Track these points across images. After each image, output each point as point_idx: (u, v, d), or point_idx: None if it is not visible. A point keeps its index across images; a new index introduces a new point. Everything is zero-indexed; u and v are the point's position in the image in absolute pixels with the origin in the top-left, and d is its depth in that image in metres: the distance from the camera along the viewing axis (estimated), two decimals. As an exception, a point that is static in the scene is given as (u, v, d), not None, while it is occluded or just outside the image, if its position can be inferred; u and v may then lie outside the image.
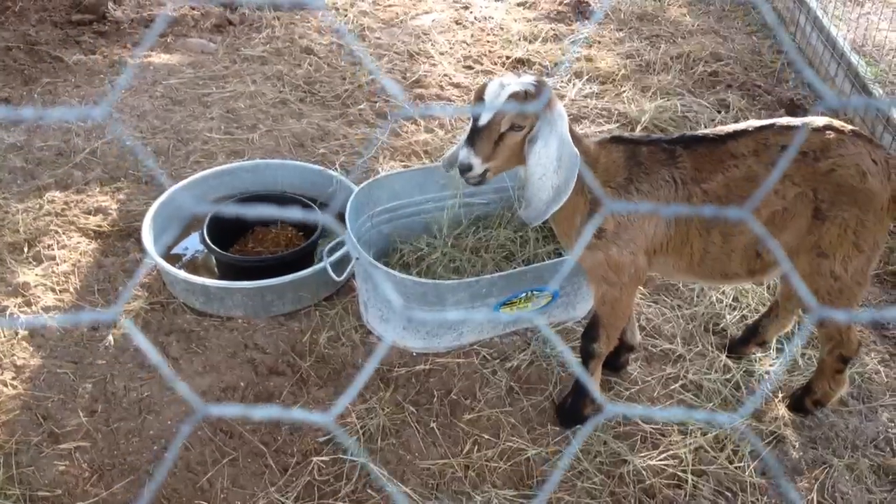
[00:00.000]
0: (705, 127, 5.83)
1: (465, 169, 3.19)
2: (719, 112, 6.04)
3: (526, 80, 3.18)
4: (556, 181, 3.15)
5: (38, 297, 4.27)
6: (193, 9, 7.06)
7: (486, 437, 3.75)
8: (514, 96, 3.13)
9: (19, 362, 3.97)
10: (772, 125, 3.34)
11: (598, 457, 3.65)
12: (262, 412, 1.09)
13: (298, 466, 3.58)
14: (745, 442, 3.72)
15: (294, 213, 1.29)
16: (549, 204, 3.19)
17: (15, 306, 4.22)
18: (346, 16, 7.10)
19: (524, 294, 4.09)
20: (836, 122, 3.34)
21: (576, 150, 3.16)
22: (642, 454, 3.67)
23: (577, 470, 3.60)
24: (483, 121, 3.17)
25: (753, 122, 3.40)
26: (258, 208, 1.25)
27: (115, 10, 6.91)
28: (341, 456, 3.61)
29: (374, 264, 3.98)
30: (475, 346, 4.17)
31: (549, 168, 3.15)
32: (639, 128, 5.75)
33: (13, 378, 3.90)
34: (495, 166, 3.25)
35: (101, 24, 6.76)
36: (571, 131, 3.30)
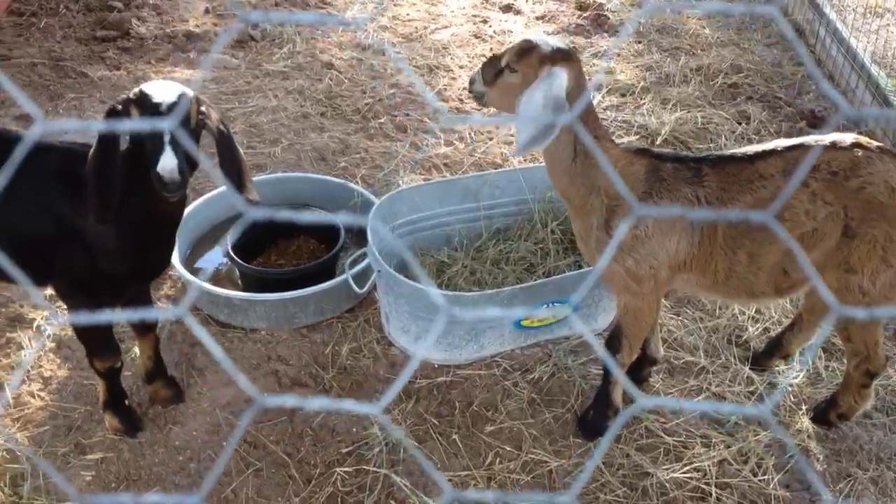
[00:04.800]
0: (726, 139, 5.82)
1: (470, 82, 3.57)
2: (740, 124, 6.04)
3: (554, 42, 3.29)
4: (540, 122, 3.23)
5: (65, 309, 4.31)
6: (216, 25, 7.13)
7: (508, 448, 3.76)
8: (522, 41, 3.34)
9: (46, 374, 4.02)
10: (800, 145, 3.34)
11: (621, 469, 3.65)
12: (316, 403, 1.12)
13: (322, 477, 3.60)
14: (770, 455, 3.71)
15: (334, 218, 1.31)
16: (530, 140, 3.24)
17: (42, 319, 4.27)
18: (366, 30, 7.15)
19: (545, 306, 4.10)
20: (863, 139, 3.34)
21: (565, 102, 3.20)
22: (665, 467, 3.66)
23: (599, 482, 3.60)
24: (500, 52, 3.46)
25: (782, 142, 3.40)
26: (295, 214, 1.27)
27: (139, 26, 6.99)
28: (364, 467, 3.63)
29: (395, 277, 4.00)
30: (496, 358, 4.18)
31: (535, 111, 3.23)
32: (659, 140, 5.76)
33: (40, 389, 3.94)
34: (491, 95, 3.49)
35: (125, 40, 6.83)
36: (594, 127, 3.33)
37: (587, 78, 3.42)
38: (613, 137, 5.76)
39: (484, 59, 6.25)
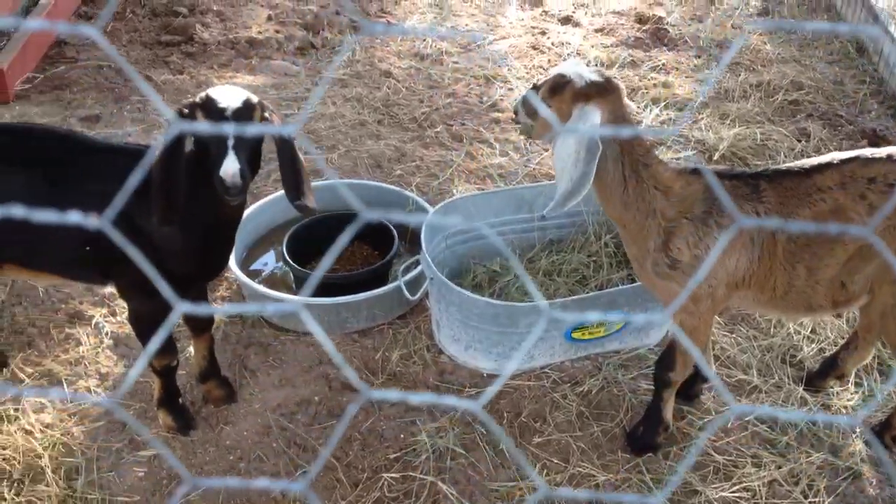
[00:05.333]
0: (785, 156, 5.75)
1: (514, 111, 3.51)
2: (799, 141, 5.96)
3: (589, 74, 3.20)
4: (574, 174, 3.15)
5: (123, 307, 4.40)
6: (278, 32, 7.23)
7: (556, 461, 3.75)
8: (555, 76, 3.25)
9: (103, 370, 4.10)
10: (857, 157, 3.31)
11: (669, 486, 3.61)
12: (419, 398, 1.15)
13: (369, 482, 3.63)
14: (822, 477, 3.65)
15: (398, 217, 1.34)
16: (566, 196, 3.19)
17: (100, 316, 4.37)
18: (424, 40, 7.20)
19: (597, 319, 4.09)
20: None
21: (597, 142, 3.12)
22: (714, 485, 3.62)
23: (647, 500, 3.57)
24: (540, 82, 3.37)
25: (838, 155, 3.37)
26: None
27: (202, 31, 7.12)
28: (411, 473, 3.65)
29: (447, 284, 4.02)
30: (546, 370, 4.17)
31: (567, 162, 3.17)
32: (716, 155, 5.70)
33: (97, 385, 4.03)
34: (535, 127, 3.43)
35: (188, 46, 6.97)
36: (642, 152, 3.30)
37: (631, 108, 3.36)
38: (670, 153, 5.75)
39: (542, 72, 6.22)
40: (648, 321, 4.25)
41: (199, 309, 1.31)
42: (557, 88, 3.22)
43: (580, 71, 3.22)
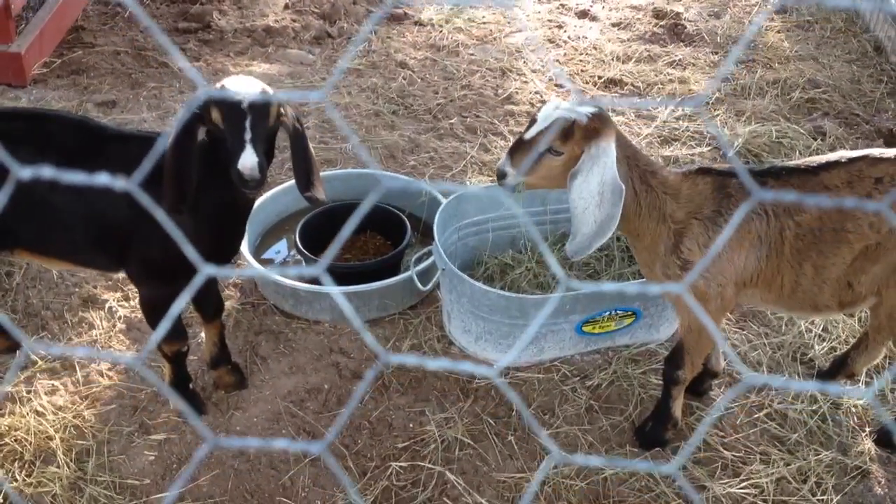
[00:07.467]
0: (800, 154, 5.73)
1: (500, 176, 3.30)
2: (815, 139, 5.93)
3: (583, 109, 3.15)
4: (599, 216, 3.12)
5: (136, 292, 4.42)
6: (294, 21, 7.24)
7: (564, 453, 3.75)
8: (558, 122, 3.15)
9: (116, 354, 4.13)
10: (865, 156, 3.31)
11: (677, 481, 3.62)
12: (436, 364, 1.16)
13: (377, 470, 3.65)
14: (830, 475, 3.65)
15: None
16: (592, 238, 3.16)
17: (114, 300, 4.39)
18: (440, 31, 7.20)
19: (607, 313, 4.10)
20: None
21: (621, 185, 3.09)
22: (722, 481, 3.63)
23: (654, 493, 3.58)
24: (528, 135, 3.24)
25: (846, 153, 3.37)
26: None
27: (219, 19, 7.13)
28: (419, 463, 3.67)
29: (459, 275, 4.03)
30: (555, 363, 4.18)
31: (590, 202, 3.12)
32: (731, 152, 5.69)
33: (109, 369, 4.06)
34: (529, 182, 3.31)
35: (205, 33, 6.98)
36: (645, 162, 3.29)
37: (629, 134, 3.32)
38: (685, 149, 5.74)
39: (557, 65, 6.17)
40: (662, 309, 4.25)
41: (222, 272, 1.32)
42: (568, 133, 3.14)
43: (574, 107, 3.15)
